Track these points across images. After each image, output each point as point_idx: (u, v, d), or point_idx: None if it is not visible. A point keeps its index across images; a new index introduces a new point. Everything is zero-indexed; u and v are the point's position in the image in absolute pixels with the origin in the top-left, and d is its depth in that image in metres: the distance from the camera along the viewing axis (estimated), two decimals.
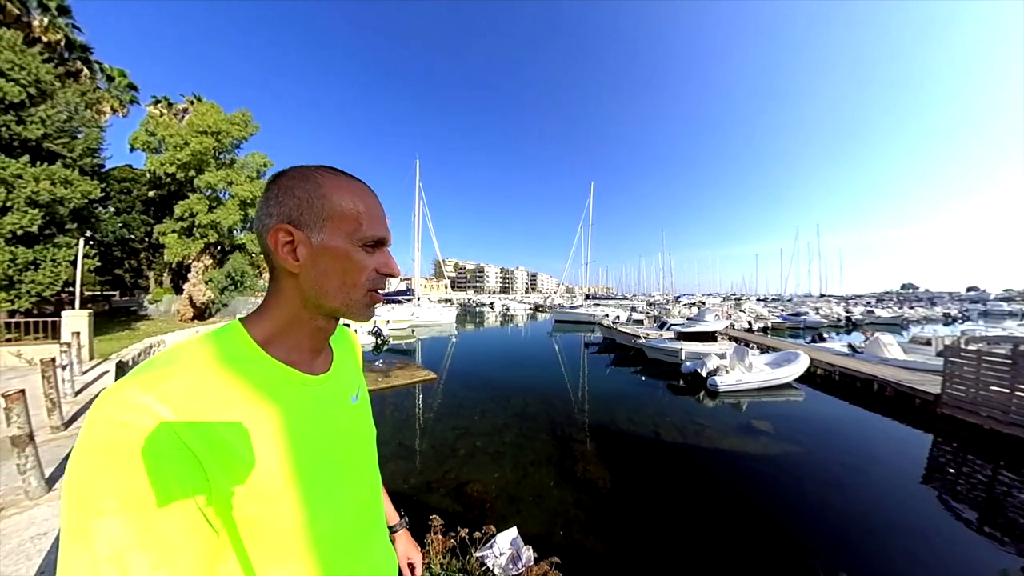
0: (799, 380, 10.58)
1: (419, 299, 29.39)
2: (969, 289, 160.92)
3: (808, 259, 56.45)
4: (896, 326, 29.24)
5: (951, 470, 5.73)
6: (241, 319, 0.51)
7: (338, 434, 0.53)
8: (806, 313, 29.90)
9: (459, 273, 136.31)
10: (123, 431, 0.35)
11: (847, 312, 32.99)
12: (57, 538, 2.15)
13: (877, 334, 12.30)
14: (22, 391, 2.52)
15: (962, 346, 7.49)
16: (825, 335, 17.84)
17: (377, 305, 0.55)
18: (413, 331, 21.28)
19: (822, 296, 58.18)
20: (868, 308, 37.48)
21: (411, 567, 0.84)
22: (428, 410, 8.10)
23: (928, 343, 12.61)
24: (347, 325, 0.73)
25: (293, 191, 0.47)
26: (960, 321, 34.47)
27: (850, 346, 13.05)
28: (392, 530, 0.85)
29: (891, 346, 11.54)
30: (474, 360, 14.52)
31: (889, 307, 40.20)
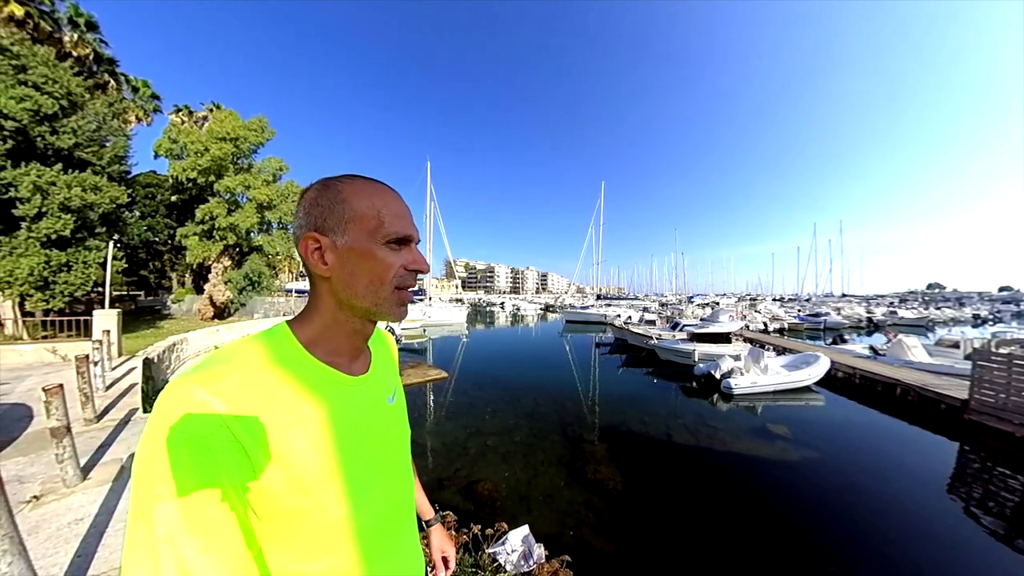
0: (819, 383, 10.27)
1: (431, 299, 29.72)
2: (1002, 289, 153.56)
3: (828, 257, 54.66)
4: (921, 328, 28.13)
5: (979, 479, 5.50)
6: (288, 321, 0.54)
7: (375, 433, 0.56)
8: (826, 314, 28.98)
9: (470, 273, 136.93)
10: (180, 423, 0.38)
11: (868, 313, 31.92)
12: (92, 523, 2.28)
13: (900, 336, 11.87)
14: (60, 386, 2.67)
15: (992, 349, 7.17)
16: (846, 336, 17.30)
17: (408, 303, 0.55)
18: (425, 331, 21.48)
19: (843, 296, 56.27)
20: (891, 309, 36.18)
21: (444, 560, 0.86)
22: (439, 409, 8.19)
23: (956, 346, 12.11)
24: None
25: (317, 201, 0.50)
26: (991, 323, 32.84)
27: (871, 348, 12.62)
28: (427, 524, 0.88)
29: (915, 348, 11.10)
30: (485, 360, 14.60)
31: (914, 308, 38.63)
